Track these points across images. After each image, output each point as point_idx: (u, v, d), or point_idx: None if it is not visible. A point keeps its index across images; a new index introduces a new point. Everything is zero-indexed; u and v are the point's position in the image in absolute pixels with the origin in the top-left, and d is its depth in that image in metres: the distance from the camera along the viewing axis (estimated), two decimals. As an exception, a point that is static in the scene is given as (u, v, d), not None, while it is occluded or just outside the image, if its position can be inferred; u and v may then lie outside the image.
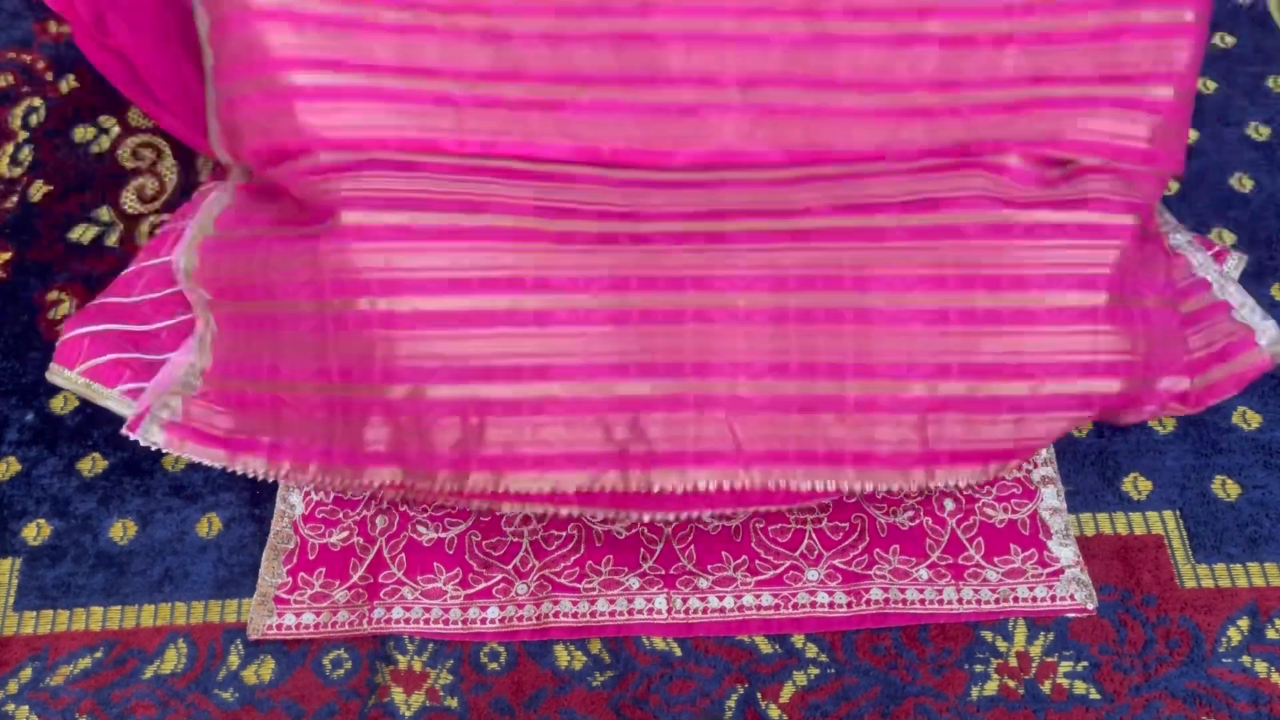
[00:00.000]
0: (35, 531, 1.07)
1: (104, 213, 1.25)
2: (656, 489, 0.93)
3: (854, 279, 0.95)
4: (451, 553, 1.03)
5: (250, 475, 1.01)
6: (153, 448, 1.02)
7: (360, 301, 0.93)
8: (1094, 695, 0.95)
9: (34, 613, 1.03)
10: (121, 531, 1.06)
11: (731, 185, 1.00)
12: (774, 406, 0.94)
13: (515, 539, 1.03)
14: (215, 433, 1.02)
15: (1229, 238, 1.18)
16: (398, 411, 0.93)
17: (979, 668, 0.97)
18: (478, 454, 0.93)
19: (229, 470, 1.02)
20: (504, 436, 0.93)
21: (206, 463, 1.01)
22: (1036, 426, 0.96)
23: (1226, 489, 1.05)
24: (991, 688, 0.96)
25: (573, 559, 1.02)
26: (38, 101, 1.33)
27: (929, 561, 1.01)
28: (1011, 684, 0.96)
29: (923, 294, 0.95)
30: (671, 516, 0.97)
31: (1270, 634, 0.98)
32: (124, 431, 1.02)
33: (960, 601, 0.99)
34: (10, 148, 1.30)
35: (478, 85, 0.99)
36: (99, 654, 1.00)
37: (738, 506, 0.97)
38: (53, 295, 1.19)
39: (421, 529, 1.04)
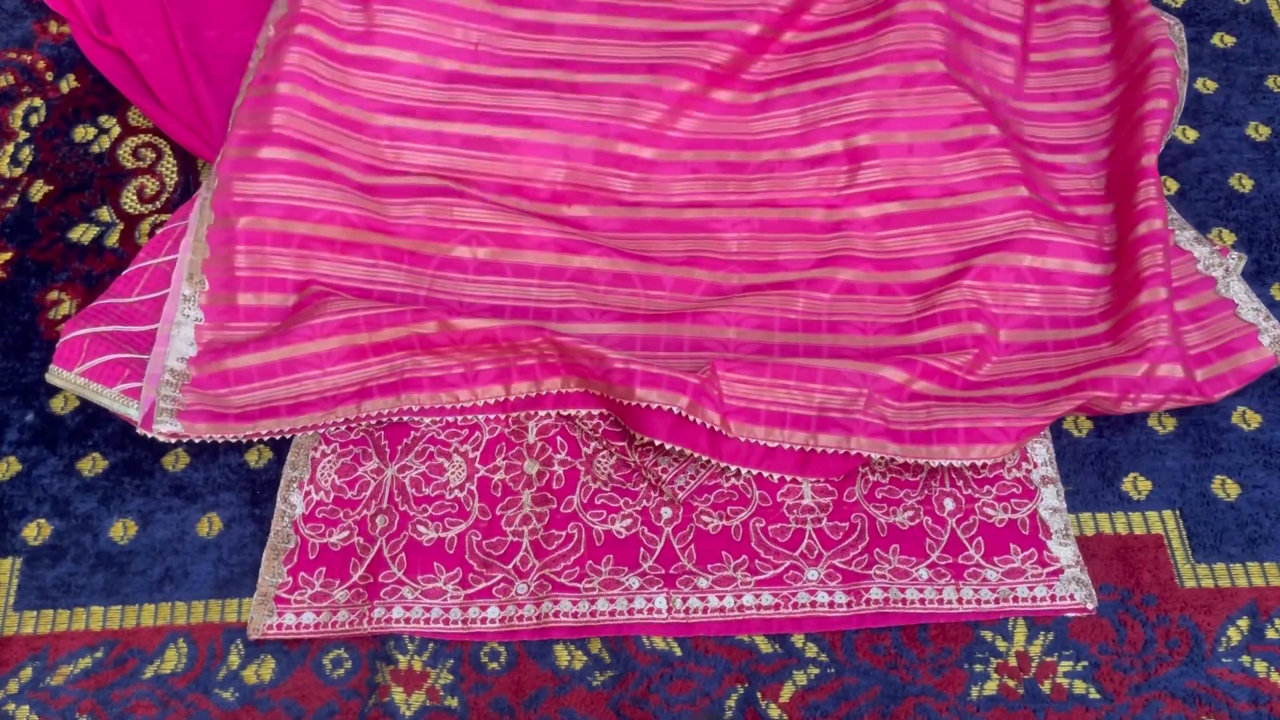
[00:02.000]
0: (35, 531, 1.07)
1: (104, 213, 1.25)
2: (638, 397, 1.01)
3: (829, 324, 1.11)
4: (451, 552, 1.03)
5: (265, 437, 1.05)
6: (171, 441, 1.05)
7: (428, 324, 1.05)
8: (1094, 695, 0.95)
9: (34, 613, 1.03)
10: (121, 531, 1.06)
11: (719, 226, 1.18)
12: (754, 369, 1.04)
13: (515, 539, 1.03)
14: (225, 410, 1.04)
15: (1229, 238, 1.18)
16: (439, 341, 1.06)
17: (979, 668, 0.97)
18: (516, 365, 1.07)
19: (247, 441, 1.04)
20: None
21: (228, 439, 1.04)
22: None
23: (1226, 489, 1.05)
24: (991, 687, 0.96)
25: (573, 559, 1.02)
26: (38, 101, 1.33)
27: (929, 561, 1.01)
28: (1011, 684, 0.96)
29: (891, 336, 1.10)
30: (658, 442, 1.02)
31: (1270, 634, 0.98)
32: (140, 430, 1.03)
33: (960, 601, 0.99)
34: (10, 148, 1.30)
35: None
36: (99, 654, 1.00)
37: (716, 456, 1.02)
38: (53, 295, 1.19)
39: (421, 529, 1.04)
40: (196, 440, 1.04)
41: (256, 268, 1.10)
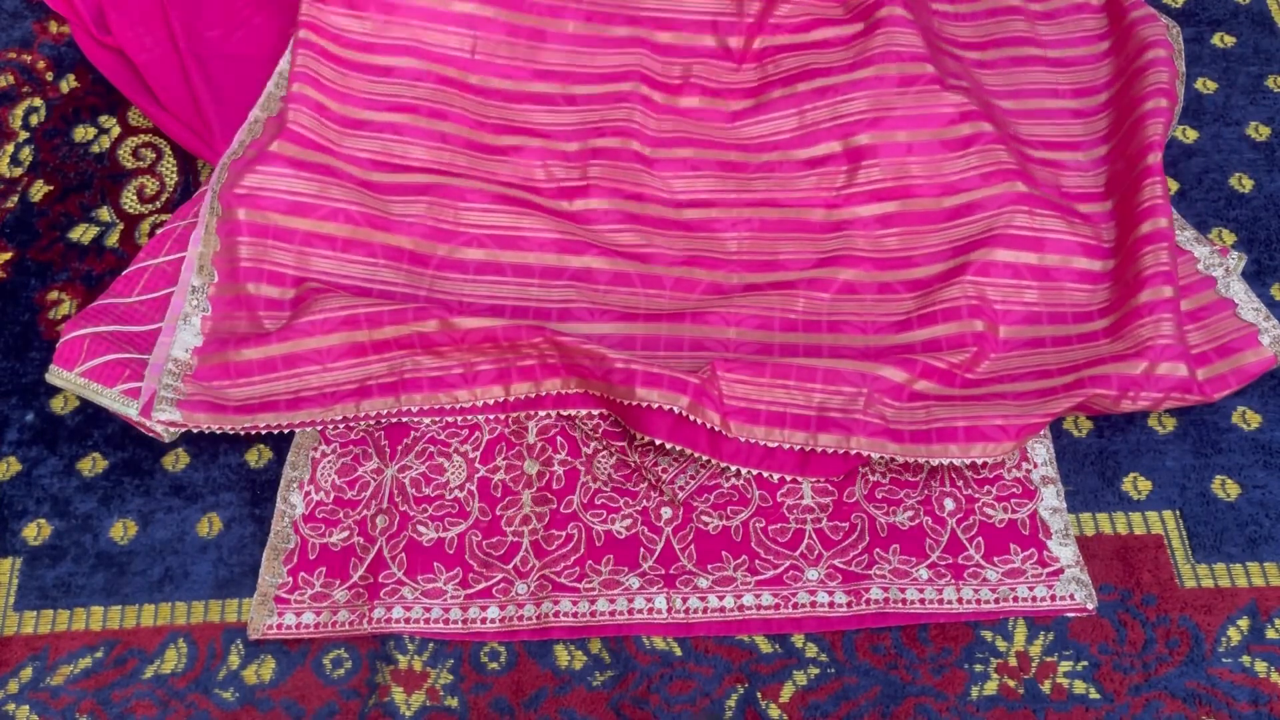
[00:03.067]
0: (35, 531, 1.07)
1: (104, 213, 1.25)
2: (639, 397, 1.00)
3: (829, 324, 1.10)
4: (451, 553, 1.03)
5: (264, 430, 1.04)
6: (165, 436, 1.05)
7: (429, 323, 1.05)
8: (1094, 695, 0.95)
9: (34, 613, 1.03)
10: (121, 531, 1.06)
11: (721, 226, 1.19)
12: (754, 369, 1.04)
13: (515, 539, 1.03)
14: (225, 402, 1.05)
15: (1229, 238, 1.18)
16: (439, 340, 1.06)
17: (979, 668, 0.97)
18: (515, 365, 1.06)
19: (246, 433, 1.04)
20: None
21: (227, 430, 1.03)
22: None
23: (1226, 489, 1.05)
24: (991, 687, 0.96)
25: (573, 559, 1.02)
26: (38, 101, 1.33)
27: (929, 561, 1.01)
28: (1011, 684, 0.96)
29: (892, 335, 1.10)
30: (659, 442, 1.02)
31: (1270, 634, 0.98)
32: (138, 418, 1.03)
33: (960, 601, 0.99)
34: (10, 148, 1.30)
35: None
36: (99, 654, 1.00)
37: (716, 456, 1.02)
38: (53, 295, 1.19)
39: (421, 529, 1.04)
40: (195, 430, 1.04)
41: (257, 259, 1.11)
